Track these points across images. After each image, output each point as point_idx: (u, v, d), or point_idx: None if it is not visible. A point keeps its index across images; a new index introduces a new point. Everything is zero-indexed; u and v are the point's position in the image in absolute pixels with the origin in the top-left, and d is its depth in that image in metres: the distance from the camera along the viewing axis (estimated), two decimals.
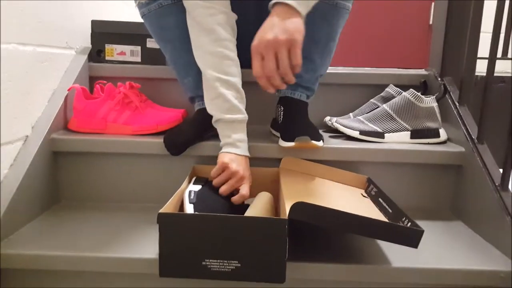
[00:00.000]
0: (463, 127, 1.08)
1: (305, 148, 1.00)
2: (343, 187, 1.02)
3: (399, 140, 1.10)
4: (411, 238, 0.74)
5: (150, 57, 1.30)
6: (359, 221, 0.72)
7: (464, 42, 1.11)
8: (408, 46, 2.59)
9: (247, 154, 0.98)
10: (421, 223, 0.97)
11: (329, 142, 1.08)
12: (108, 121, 1.12)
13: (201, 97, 1.11)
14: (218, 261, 0.73)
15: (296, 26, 0.83)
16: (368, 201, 0.95)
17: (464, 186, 1.05)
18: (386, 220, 0.83)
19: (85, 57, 1.28)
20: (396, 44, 2.58)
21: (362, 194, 0.99)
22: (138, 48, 1.30)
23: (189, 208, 0.81)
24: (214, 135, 1.08)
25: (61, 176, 1.12)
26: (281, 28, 0.82)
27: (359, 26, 2.56)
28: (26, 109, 1.03)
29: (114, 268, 0.83)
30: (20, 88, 1.00)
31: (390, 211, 0.87)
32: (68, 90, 1.14)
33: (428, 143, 1.10)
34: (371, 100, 1.23)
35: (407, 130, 1.10)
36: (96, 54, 1.30)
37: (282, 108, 1.09)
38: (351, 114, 1.23)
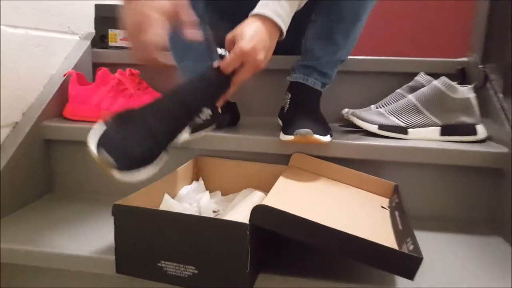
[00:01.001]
0: (506, 124, 0.90)
1: (306, 143, 0.86)
2: (359, 195, 0.86)
3: (426, 136, 0.93)
4: (406, 266, 0.58)
5: None
6: (335, 236, 0.57)
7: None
8: (447, 33, 2.29)
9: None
10: (450, 237, 0.81)
11: (342, 137, 0.93)
12: (102, 108, 1.04)
13: None
14: (174, 264, 0.63)
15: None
16: (384, 215, 0.79)
17: (505, 194, 0.86)
18: (393, 239, 0.67)
19: (88, 42, 1.22)
20: (432, 30, 2.28)
21: (382, 206, 0.82)
22: None
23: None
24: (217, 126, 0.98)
25: (55, 165, 1.05)
26: (269, 53, 0.77)
27: (389, 10, 2.25)
28: (16, 95, 0.97)
29: (79, 267, 0.74)
30: (9, 72, 0.94)
31: (400, 227, 0.71)
32: (64, 76, 1.07)
33: (462, 142, 0.92)
34: (397, 90, 1.06)
35: (437, 125, 0.93)
36: (99, 40, 1.23)
37: (290, 95, 0.96)
38: (372, 106, 1.07)
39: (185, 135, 0.75)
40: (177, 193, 0.87)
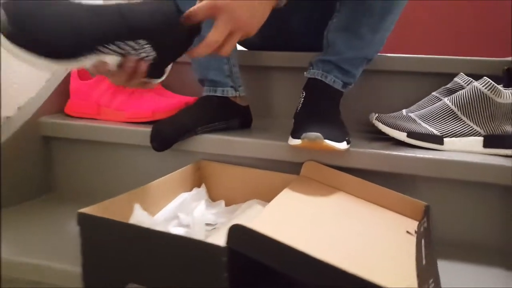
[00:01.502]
0: None
1: (316, 149, 0.74)
2: (380, 215, 0.73)
3: (465, 148, 0.79)
4: None
5: None
6: (325, 271, 0.44)
7: None
8: (490, 30, 1.94)
9: None
10: (491, 272, 0.67)
11: (365, 146, 0.80)
12: (101, 105, 0.96)
13: (210, 82, 0.91)
14: None
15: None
16: (409, 243, 0.64)
17: None
18: (413, 278, 0.53)
19: None
20: (474, 27, 1.98)
21: (408, 231, 0.68)
22: None
23: None
24: (220, 129, 0.89)
25: (54, 163, 0.99)
26: (257, 14, 0.65)
27: (424, 4, 1.99)
28: (11, 89, 0.91)
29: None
30: (4, 65, 0.88)
31: (424, 262, 0.57)
32: (66, 70, 1.01)
33: (507, 156, 0.77)
34: (433, 93, 0.92)
35: (479, 135, 0.79)
36: None
37: (304, 93, 0.84)
38: (404, 110, 0.93)
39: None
40: (172, 199, 0.78)
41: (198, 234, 0.69)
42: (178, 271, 0.52)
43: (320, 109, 0.80)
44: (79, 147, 0.96)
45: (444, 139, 0.79)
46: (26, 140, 0.92)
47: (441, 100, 0.86)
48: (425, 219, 0.70)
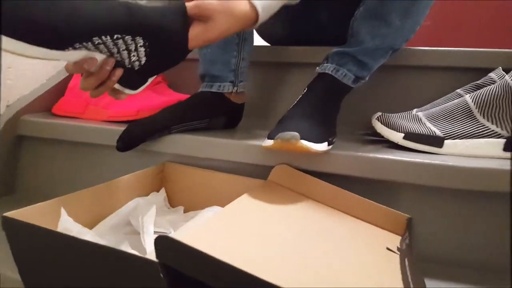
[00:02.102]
0: None
1: (290, 150, 0.62)
2: (356, 228, 0.59)
3: (470, 151, 0.62)
4: None
5: None
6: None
7: None
8: None
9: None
10: None
11: (352, 148, 0.66)
12: (90, 103, 0.93)
13: (211, 77, 0.83)
14: None
15: None
16: (390, 261, 0.50)
17: None
18: None
19: None
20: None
21: (388, 248, 0.53)
22: None
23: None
24: (201, 128, 0.81)
25: (21, 164, 0.93)
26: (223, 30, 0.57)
27: None
28: (4, 85, 0.92)
29: None
30: None
31: (411, 286, 0.44)
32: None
33: None
34: (458, 90, 0.75)
35: (497, 136, 0.61)
36: None
37: (305, 90, 0.73)
38: (415, 109, 0.77)
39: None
40: (124, 204, 0.70)
41: (147, 242, 0.61)
42: (108, 282, 0.45)
43: (313, 106, 0.69)
44: (48, 147, 0.91)
45: (445, 141, 0.62)
46: (3, 139, 0.89)
47: (462, 96, 0.69)
48: (407, 234, 0.54)
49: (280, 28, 1.03)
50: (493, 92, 0.62)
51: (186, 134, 0.77)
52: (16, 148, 0.93)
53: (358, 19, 0.73)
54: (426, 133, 0.64)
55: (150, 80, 0.60)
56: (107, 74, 0.54)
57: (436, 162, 0.58)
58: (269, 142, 0.63)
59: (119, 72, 0.54)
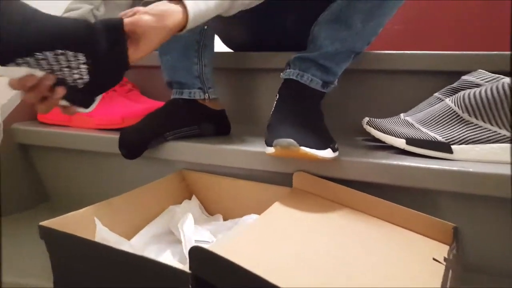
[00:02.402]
0: None
1: (294, 157, 0.65)
2: (399, 236, 0.61)
3: (491, 157, 0.66)
4: None
5: None
6: None
7: None
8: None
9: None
10: None
11: (361, 155, 0.70)
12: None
13: (177, 84, 0.83)
14: None
15: None
16: (435, 274, 0.51)
17: None
18: None
19: None
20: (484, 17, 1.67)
21: (434, 258, 0.55)
22: None
23: None
24: (194, 134, 0.81)
25: (41, 172, 0.95)
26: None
27: None
28: None
29: None
30: None
31: None
32: None
33: None
34: (435, 94, 0.81)
35: (506, 139, 0.66)
36: None
37: (277, 96, 0.75)
38: (402, 114, 0.83)
39: None
40: (157, 211, 0.71)
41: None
42: None
43: (295, 113, 0.70)
44: (59, 155, 0.92)
45: (453, 146, 0.68)
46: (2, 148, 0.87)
47: (442, 100, 0.75)
48: (454, 243, 0.58)
49: (243, 33, 1.04)
50: (490, 94, 0.66)
51: (193, 143, 0.78)
52: (22, 156, 0.93)
53: (319, 24, 0.75)
54: (427, 139, 0.69)
55: (98, 98, 0.61)
56: (46, 90, 0.54)
57: (456, 168, 0.62)
58: (270, 150, 0.65)
59: (61, 90, 0.55)
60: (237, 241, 0.48)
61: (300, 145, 0.60)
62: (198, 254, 0.42)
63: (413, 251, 0.57)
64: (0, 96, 0.90)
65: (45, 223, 0.54)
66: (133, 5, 0.77)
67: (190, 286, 0.42)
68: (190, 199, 0.79)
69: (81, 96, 0.58)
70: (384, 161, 0.66)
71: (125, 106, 0.91)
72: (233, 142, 0.79)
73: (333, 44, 0.72)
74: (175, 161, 0.81)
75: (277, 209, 0.59)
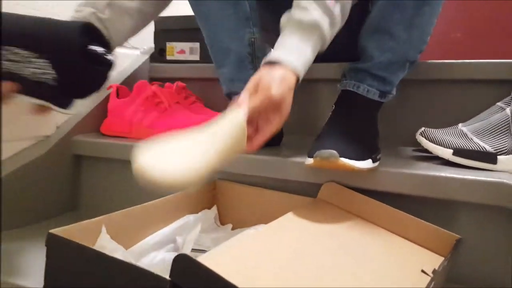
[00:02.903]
0: None
1: (331, 168, 0.63)
2: (398, 248, 0.59)
3: None
4: None
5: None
6: None
7: None
8: None
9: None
10: None
11: (401, 165, 0.67)
12: (133, 123, 0.96)
13: (236, 95, 0.85)
14: None
15: None
16: (417, 285, 0.49)
17: None
18: None
19: (146, 57, 1.18)
20: None
21: (423, 270, 0.52)
22: (197, 44, 1.13)
23: None
24: None
25: (83, 182, 0.99)
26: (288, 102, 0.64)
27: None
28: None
29: None
30: None
31: None
32: (107, 89, 1.04)
33: None
34: (498, 103, 0.75)
35: None
36: (158, 54, 1.18)
37: (334, 107, 0.74)
38: (460, 124, 0.77)
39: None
40: (174, 221, 0.72)
41: None
42: None
43: (346, 124, 0.69)
44: (107, 166, 0.95)
45: (498, 157, 0.62)
46: (58, 158, 0.94)
47: (504, 110, 0.69)
48: (450, 255, 0.55)
49: None
50: None
51: None
52: (74, 167, 0.98)
53: (363, 35, 0.74)
54: (476, 149, 0.64)
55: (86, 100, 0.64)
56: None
57: (493, 179, 0.58)
58: (309, 161, 0.64)
59: (10, 85, 0.58)
60: (228, 251, 0.47)
61: (340, 156, 0.59)
62: (181, 262, 0.41)
63: (407, 263, 0.54)
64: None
65: (55, 230, 0.54)
66: (141, 11, 0.81)
67: None
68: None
69: (55, 93, 0.60)
70: (415, 172, 0.64)
71: (186, 118, 0.94)
72: (274, 152, 0.79)
73: (383, 55, 0.71)
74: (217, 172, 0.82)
75: (286, 219, 0.58)
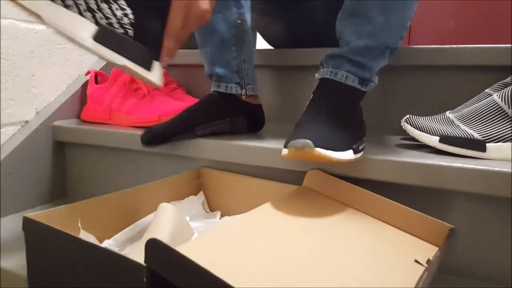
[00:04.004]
0: None
1: (308, 159, 0.60)
2: (388, 237, 0.57)
3: None
4: None
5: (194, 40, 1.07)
6: None
7: None
8: None
9: None
10: None
11: (388, 154, 0.65)
12: (112, 109, 0.93)
13: (216, 77, 0.83)
14: None
15: None
16: (411, 276, 0.48)
17: None
18: None
19: None
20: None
21: (416, 260, 0.51)
22: None
23: None
24: (225, 130, 0.81)
25: (68, 169, 0.97)
26: None
27: None
28: (28, 92, 0.92)
29: None
30: (21, 70, 0.89)
31: None
32: (85, 75, 1.00)
33: None
34: (487, 89, 0.73)
35: None
36: None
37: (312, 96, 0.71)
38: (448, 111, 0.75)
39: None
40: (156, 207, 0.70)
41: None
42: (106, 284, 0.45)
43: (325, 112, 0.65)
44: (88, 152, 0.93)
45: (487, 144, 0.60)
46: (39, 145, 0.92)
47: (490, 96, 0.67)
48: (444, 245, 0.53)
49: (279, 29, 1.03)
50: None
51: (218, 140, 0.77)
52: (57, 154, 0.96)
53: (340, 20, 0.71)
54: (463, 136, 0.62)
55: (160, 68, 0.57)
56: None
57: (481, 167, 0.56)
58: (285, 151, 0.60)
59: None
60: (205, 238, 0.45)
61: (316, 146, 0.56)
62: (153, 247, 0.39)
63: (400, 253, 0.52)
64: (45, 95, 0.96)
65: (30, 215, 0.53)
66: None
67: (145, 279, 0.40)
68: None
69: (137, 51, 0.53)
70: (399, 159, 0.61)
71: (165, 104, 0.91)
72: (256, 139, 0.77)
73: (360, 39, 0.67)
74: (199, 159, 0.80)
75: (267, 207, 0.56)
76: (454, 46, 0.84)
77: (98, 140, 0.89)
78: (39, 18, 0.49)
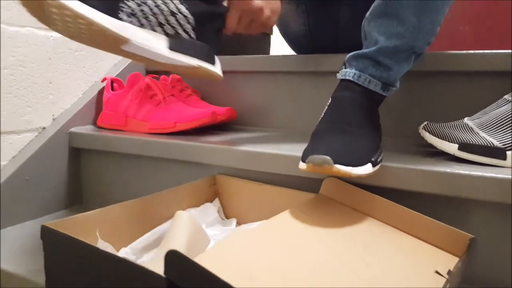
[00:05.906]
0: None
1: (324, 174, 0.60)
2: (407, 247, 0.56)
3: None
4: None
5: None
6: None
7: None
8: None
9: None
10: None
11: (406, 161, 0.64)
12: (128, 115, 0.93)
13: None
14: None
15: None
16: (434, 286, 0.47)
17: None
18: None
19: None
20: None
21: (437, 271, 0.49)
22: None
23: None
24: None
25: (84, 175, 0.98)
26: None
27: None
28: (46, 99, 0.93)
29: None
30: (38, 76, 0.91)
31: None
32: (101, 81, 1.01)
33: None
34: (506, 95, 0.72)
35: None
36: None
37: (330, 101, 0.69)
38: (466, 118, 0.74)
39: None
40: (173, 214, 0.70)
41: None
42: None
43: (344, 122, 0.64)
44: (105, 159, 0.94)
45: (508, 152, 0.59)
46: (56, 151, 0.93)
47: (510, 102, 0.66)
48: (465, 255, 0.52)
49: (303, 37, 1.01)
50: None
51: (234, 146, 0.77)
52: (73, 160, 0.97)
53: (368, 19, 0.69)
54: (483, 144, 0.61)
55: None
56: None
57: (502, 176, 0.55)
58: (303, 166, 0.59)
59: None
60: (224, 248, 0.45)
61: (335, 163, 0.55)
62: (173, 259, 0.39)
63: (420, 264, 0.51)
64: (59, 99, 0.97)
65: (48, 224, 0.53)
66: None
67: None
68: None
69: (203, 50, 0.61)
70: (417, 167, 0.61)
71: (180, 110, 0.91)
72: (273, 147, 0.76)
73: (389, 40, 0.65)
74: (215, 166, 0.80)
75: (284, 216, 0.56)
76: (471, 51, 0.83)
77: (114, 147, 0.90)
78: (126, 41, 0.55)
